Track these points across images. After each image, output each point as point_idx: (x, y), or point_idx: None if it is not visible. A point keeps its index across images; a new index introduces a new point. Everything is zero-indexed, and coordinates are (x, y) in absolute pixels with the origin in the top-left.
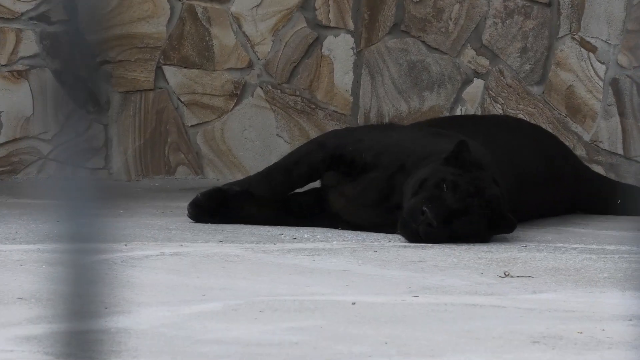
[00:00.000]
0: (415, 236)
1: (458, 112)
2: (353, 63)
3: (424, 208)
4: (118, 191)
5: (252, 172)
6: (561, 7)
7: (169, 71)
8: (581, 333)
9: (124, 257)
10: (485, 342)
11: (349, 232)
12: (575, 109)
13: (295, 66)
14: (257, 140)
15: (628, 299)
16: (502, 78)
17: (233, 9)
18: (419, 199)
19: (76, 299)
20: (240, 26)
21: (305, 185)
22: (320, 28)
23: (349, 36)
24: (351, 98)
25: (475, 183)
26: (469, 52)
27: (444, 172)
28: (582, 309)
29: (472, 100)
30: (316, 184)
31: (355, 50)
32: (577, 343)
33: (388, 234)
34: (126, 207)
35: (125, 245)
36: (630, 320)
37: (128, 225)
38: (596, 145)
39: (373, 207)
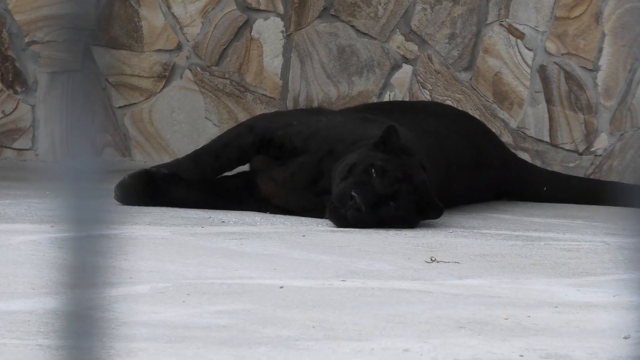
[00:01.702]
0: (343, 221)
1: (386, 98)
2: (283, 47)
3: (353, 193)
4: (44, 172)
5: (181, 155)
6: None
7: (97, 52)
8: (507, 319)
9: (50, 238)
10: (412, 326)
11: (278, 216)
12: (503, 96)
13: (224, 49)
14: (185, 122)
15: (553, 286)
16: (430, 64)
17: None
18: (347, 184)
19: (2, 280)
20: (169, 7)
21: (234, 168)
22: (250, 11)
23: (278, 19)
24: (280, 82)
25: (403, 169)
26: (398, 38)
27: (372, 157)
28: (507, 295)
29: (401, 85)
30: (245, 167)
31: (285, 34)
32: (503, 329)
33: (317, 219)
34: (52, 188)
35: (52, 226)
36: (556, 307)
37: (54, 207)
38: (523, 132)
39: (302, 191)
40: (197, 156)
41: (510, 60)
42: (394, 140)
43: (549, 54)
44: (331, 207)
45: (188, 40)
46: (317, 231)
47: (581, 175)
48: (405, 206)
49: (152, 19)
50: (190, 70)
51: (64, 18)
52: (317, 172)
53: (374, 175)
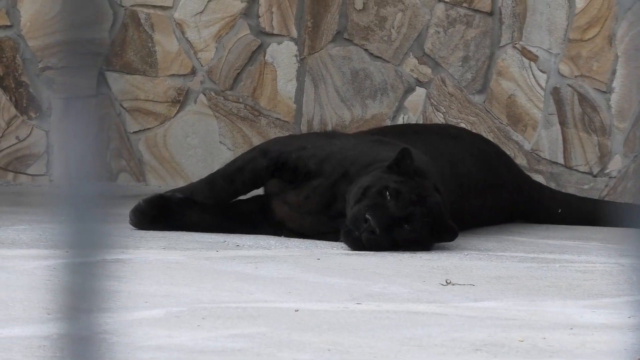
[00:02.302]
0: (357, 244)
1: (400, 121)
2: (296, 70)
3: (367, 216)
4: (59, 198)
5: (195, 179)
6: (503, 16)
7: (111, 77)
8: (522, 341)
9: (65, 263)
10: (427, 349)
11: (292, 239)
12: (516, 118)
13: (238, 73)
14: (199, 147)
15: (569, 308)
16: (443, 87)
17: (176, 15)
18: (361, 206)
19: (17, 305)
20: (183, 33)
21: (248, 192)
22: (263, 35)
23: (292, 43)
24: (294, 105)
25: (417, 191)
26: (411, 61)
27: (386, 179)
28: (523, 317)
29: (414, 108)
30: (259, 191)
31: (298, 58)
32: (519, 351)
33: (331, 242)
34: (67, 213)
35: (67, 251)
36: (571, 328)
37: (69, 231)
38: (537, 155)
39: (316, 214)
40: (211, 180)
41: (523, 83)
42: (408, 163)
43: (563, 76)
44: (345, 230)
45: (202, 65)
46: (331, 254)
47: (596, 197)
48: (419, 229)
49: (166, 44)
50: (205, 94)
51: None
52: (331, 195)
53: (388, 197)
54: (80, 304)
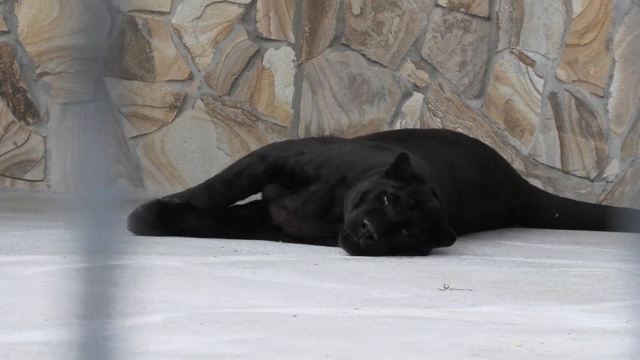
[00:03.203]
0: (355, 249)
1: (398, 126)
2: (294, 76)
3: (365, 221)
4: (57, 203)
5: (193, 185)
6: (500, 21)
7: (109, 82)
8: (520, 346)
9: (63, 269)
10: (426, 354)
11: (290, 244)
12: (514, 123)
13: (236, 78)
14: (197, 152)
15: (566, 312)
16: (441, 92)
17: (174, 20)
18: (359, 211)
19: (16, 311)
20: (180, 38)
21: (246, 197)
22: (261, 40)
23: (289, 49)
24: (292, 111)
25: (415, 196)
26: (409, 66)
27: (384, 184)
28: (521, 322)
29: (412, 113)
30: (257, 196)
31: (296, 63)
32: (517, 356)
33: (329, 247)
34: (65, 219)
35: (65, 257)
36: (569, 333)
37: (67, 237)
38: (534, 159)
39: (314, 219)
40: (209, 185)
41: (521, 88)
42: (406, 168)
43: (560, 80)
44: (343, 235)
45: (199, 70)
46: (329, 259)
47: (593, 201)
48: (417, 233)
49: (163, 49)
50: (202, 100)
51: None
52: (329, 200)
53: (386, 202)
54: (79, 310)
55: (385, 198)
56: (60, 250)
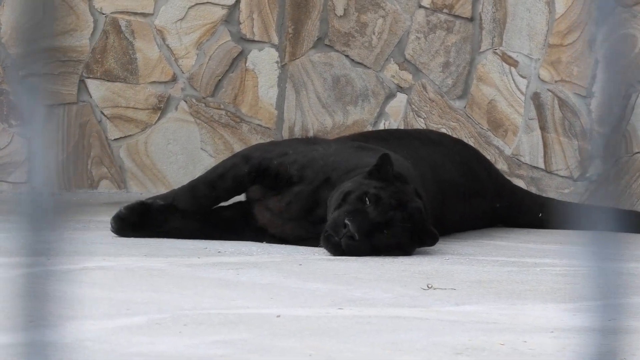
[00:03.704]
0: (337, 249)
1: (381, 127)
2: (277, 77)
3: (346, 221)
4: (41, 205)
5: (176, 186)
6: (483, 21)
7: (92, 84)
8: (503, 345)
9: (47, 271)
10: (409, 353)
11: (274, 245)
12: (497, 123)
13: (219, 80)
14: (181, 154)
15: (549, 311)
16: (424, 92)
17: (157, 22)
18: (341, 212)
19: (0, 313)
20: (164, 39)
21: (230, 198)
22: (244, 42)
23: (273, 50)
24: (276, 112)
25: (397, 196)
26: (392, 67)
27: (367, 185)
28: (504, 320)
29: (396, 114)
30: (241, 197)
31: (279, 64)
32: (500, 355)
33: (313, 247)
34: (48, 221)
35: (48, 259)
36: (552, 332)
37: (50, 239)
38: (517, 159)
39: (298, 220)
40: (193, 187)
41: (504, 88)
42: (388, 168)
43: (543, 81)
44: (325, 235)
45: (183, 72)
46: (313, 260)
47: (576, 201)
48: (399, 234)
49: (147, 51)
50: (186, 101)
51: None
52: (313, 201)
53: (368, 203)
54: (63, 311)
55: (367, 198)
56: (44, 251)
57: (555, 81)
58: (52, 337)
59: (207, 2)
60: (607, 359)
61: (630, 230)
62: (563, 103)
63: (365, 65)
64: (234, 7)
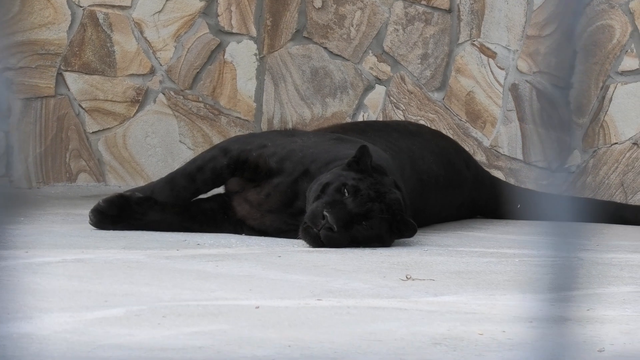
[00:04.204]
0: (316, 240)
1: (360, 119)
2: (256, 69)
3: (325, 212)
4: (19, 198)
5: (155, 179)
6: (461, 13)
7: (70, 77)
8: (482, 334)
9: (25, 263)
10: (388, 344)
11: (253, 237)
12: (475, 115)
13: (197, 72)
14: (159, 146)
15: (528, 301)
16: (403, 84)
17: (134, 15)
18: (319, 203)
19: None
20: (142, 32)
21: (209, 191)
22: (222, 34)
23: (251, 42)
24: (254, 104)
25: (376, 188)
26: (371, 59)
27: (345, 177)
28: (483, 311)
29: (374, 106)
30: (220, 189)
31: (258, 57)
32: (478, 344)
33: (292, 239)
34: (27, 214)
35: (27, 252)
36: (531, 322)
37: (29, 232)
38: (496, 151)
39: (277, 212)
40: (171, 179)
41: (482, 80)
42: (367, 160)
43: (521, 72)
44: (304, 227)
45: (161, 65)
46: (292, 251)
47: (555, 192)
48: (378, 225)
49: (124, 43)
50: (164, 94)
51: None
52: (292, 193)
53: (347, 194)
54: (40, 303)
55: (345, 190)
56: (22, 244)
57: (533, 72)
58: (30, 329)
59: None
60: (586, 349)
61: (606, 220)
62: (541, 94)
63: (343, 57)
64: (212, 0)
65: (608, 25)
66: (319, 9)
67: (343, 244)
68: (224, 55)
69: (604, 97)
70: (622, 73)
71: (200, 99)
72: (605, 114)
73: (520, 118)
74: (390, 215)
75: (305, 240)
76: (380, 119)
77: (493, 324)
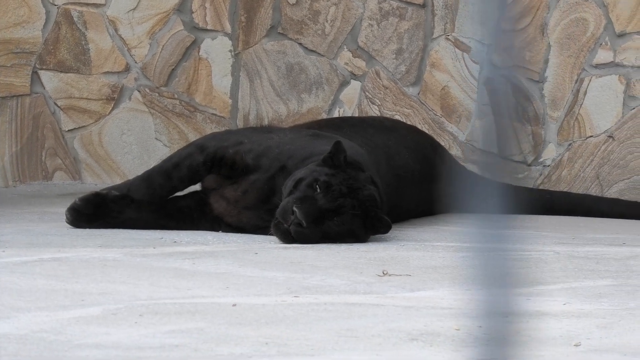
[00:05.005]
0: (287, 236)
1: (336, 114)
2: (231, 66)
3: (294, 208)
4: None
5: (131, 177)
6: (435, 8)
7: (45, 76)
8: (458, 330)
9: (2, 263)
10: (364, 340)
11: (230, 234)
12: (451, 109)
13: (173, 69)
14: (135, 144)
15: (504, 296)
16: (378, 79)
17: (109, 12)
18: (290, 199)
19: None
20: (116, 30)
21: (185, 188)
22: (197, 31)
23: (226, 39)
24: (230, 101)
25: (349, 183)
26: (346, 54)
27: (318, 172)
28: (459, 306)
29: (350, 101)
30: (197, 187)
31: (233, 53)
32: (455, 340)
33: (269, 236)
34: (3, 213)
35: (3, 251)
36: (507, 316)
37: (5, 231)
38: (471, 145)
39: (254, 209)
40: (148, 177)
41: (457, 74)
42: (341, 156)
43: (496, 66)
44: (275, 223)
45: (136, 62)
46: (269, 248)
47: (530, 186)
48: (349, 221)
49: (99, 41)
50: (139, 91)
51: (11, 43)
52: (269, 190)
53: (318, 190)
54: (18, 303)
55: (317, 185)
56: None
57: (508, 66)
58: (7, 329)
59: None
60: (562, 343)
61: (583, 214)
62: (516, 88)
63: (318, 53)
64: None
65: (582, 19)
66: (293, 5)
67: (314, 239)
68: (199, 52)
69: (578, 90)
70: (597, 66)
71: (176, 96)
72: (580, 107)
73: (495, 112)
74: (362, 211)
75: (276, 236)
76: (356, 115)
77: (469, 318)
